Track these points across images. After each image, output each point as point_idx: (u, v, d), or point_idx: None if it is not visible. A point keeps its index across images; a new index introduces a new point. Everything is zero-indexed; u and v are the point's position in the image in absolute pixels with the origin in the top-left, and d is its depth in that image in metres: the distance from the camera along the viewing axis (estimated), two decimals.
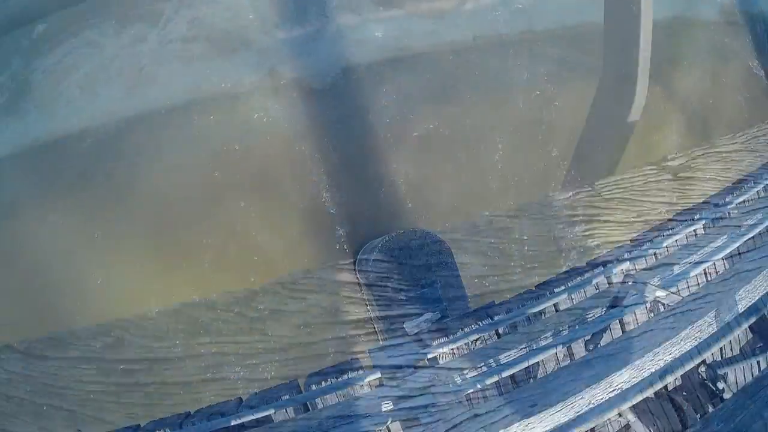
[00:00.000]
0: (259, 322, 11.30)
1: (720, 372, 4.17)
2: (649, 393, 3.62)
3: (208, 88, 11.69)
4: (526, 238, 12.77)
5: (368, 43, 12.54)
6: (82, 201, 10.91)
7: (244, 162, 11.64)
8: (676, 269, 5.93)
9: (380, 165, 12.23)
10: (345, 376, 6.07)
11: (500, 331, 6.97)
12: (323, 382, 6.02)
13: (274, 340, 11.28)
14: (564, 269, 9.06)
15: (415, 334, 7.35)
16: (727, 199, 8.16)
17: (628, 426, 4.73)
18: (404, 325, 9.91)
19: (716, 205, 8.07)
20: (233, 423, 5.52)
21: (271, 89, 11.98)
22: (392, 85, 12.60)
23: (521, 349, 5.57)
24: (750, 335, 6.02)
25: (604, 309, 5.74)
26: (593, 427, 4.70)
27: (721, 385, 4.10)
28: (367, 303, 11.42)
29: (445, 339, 6.71)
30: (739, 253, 7.33)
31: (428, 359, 6.31)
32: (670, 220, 8.28)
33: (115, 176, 11.08)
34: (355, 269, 11.56)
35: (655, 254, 7.56)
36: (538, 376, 6.35)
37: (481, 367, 5.32)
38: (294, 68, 12.20)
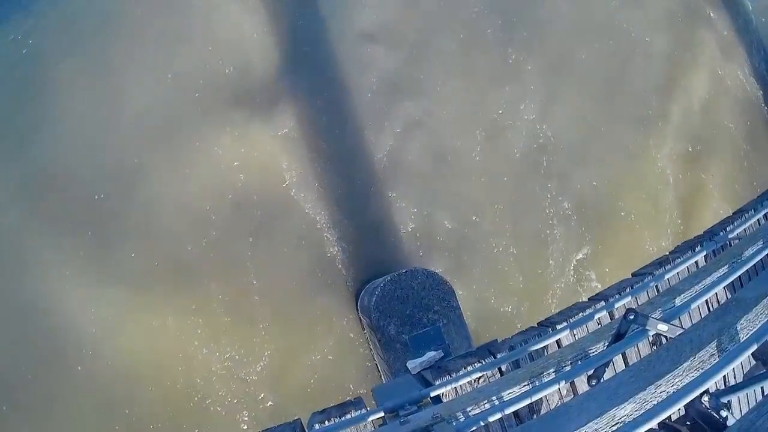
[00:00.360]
0: (261, 363, 11.25)
1: (723, 400, 4.12)
2: (653, 425, 3.57)
3: (216, 139, 11.77)
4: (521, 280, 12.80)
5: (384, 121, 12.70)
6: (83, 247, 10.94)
7: (250, 208, 11.69)
8: (678, 301, 5.90)
9: (382, 207, 12.27)
10: (348, 415, 6.00)
11: (503, 368, 6.93)
12: (326, 421, 5.95)
13: (276, 379, 11.21)
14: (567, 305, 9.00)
15: (418, 372, 7.28)
16: (728, 229, 8.17)
17: None
18: (407, 364, 9.87)
19: (717, 236, 8.07)
20: None
21: (279, 145, 12.07)
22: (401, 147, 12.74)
23: (524, 385, 5.50)
24: (753, 362, 5.97)
25: (607, 344, 5.68)
26: None
27: (724, 413, 4.05)
28: (369, 342, 11.38)
29: (448, 377, 6.66)
30: (741, 282, 7.32)
31: (431, 397, 6.25)
32: (671, 252, 8.28)
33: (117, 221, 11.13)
34: (357, 308, 11.54)
35: (656, 287, 7.54)
36: (542, 412, 6.29)
37: (484, 404, 5.25)
38: (301, 126, 12.32)
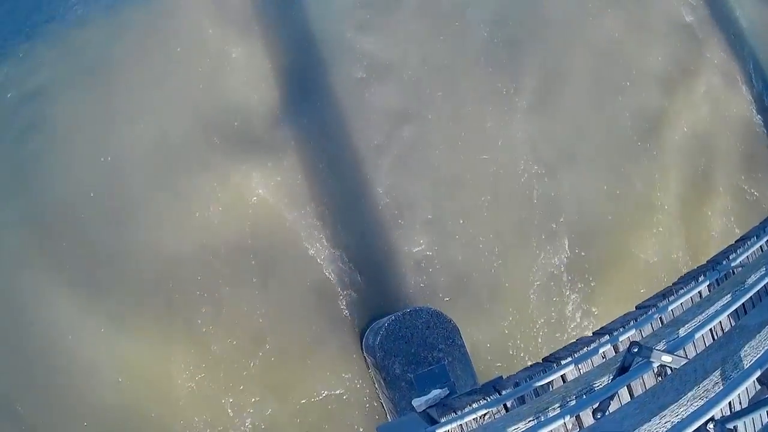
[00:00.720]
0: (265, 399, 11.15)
1: (729, 426, 4.06)
2: None
3: (217, 179, 11.84)
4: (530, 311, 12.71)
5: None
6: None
7: (252, 248, 11.69)
8: (682, 332, 5.86)
9: (385, 244, 12.27)
10: None
11: (508, 404, 6.88)
12: None
13: (278, 418, 11.09)
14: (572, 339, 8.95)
15: (424, 410, 7.24)
16: (730, 257, 8.14)
17: None
18: (412, 402, 9.78)
19: (720, 264, 8.05)
20: None
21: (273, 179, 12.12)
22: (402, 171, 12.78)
23: (529, 421, 5.45)
24: (758, 387, 5.91)
25: (611, 377, 5.64)
26: None
27: None
28: (374, 381, 11.29)
29: (454, 414, 6.63)
30: (744, 309, 7.27)
31: None
32: (674, 284, 8.27)
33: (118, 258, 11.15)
34: (361, 348, 11.47)
35: (660, 319, 7.50)
36: None
37: None
38: (302, 164, 12.38)
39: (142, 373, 10.76)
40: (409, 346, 10.54)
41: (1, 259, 10.81)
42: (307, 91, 12.65)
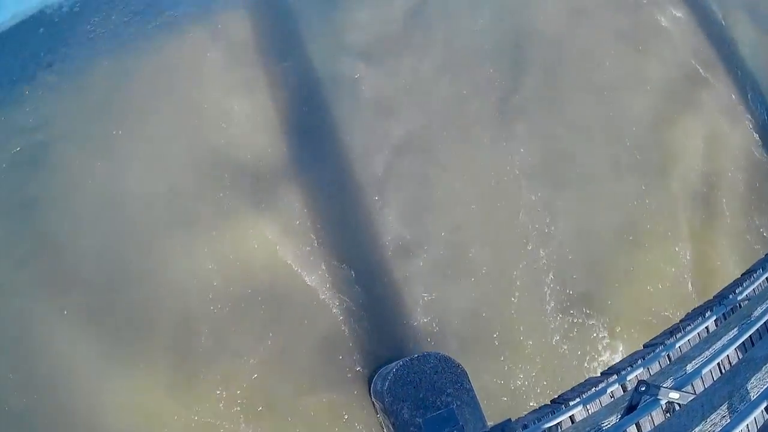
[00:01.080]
0: None
1: None
2: None
3: (221, 224, 11.89)
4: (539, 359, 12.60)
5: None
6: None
7: (256, 289, 11.68)
8: (689, 368, 5.81)
9: (394, 289, 12.23)
10: None
11: None
12: None
13: None
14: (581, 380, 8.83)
15: None
16: (737, 291, 8.10)
17: None
18: None
19: (726, 299, 8.00)
20: None
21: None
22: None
23: None
24: (766, 416, 5.83)
25: (619, 416, 5.59)
26: None
27: None
28: (382, 426, 11.16)
29: None
30: (751, 341, 7.20)
31: None
32: (681, 321, 8.22)
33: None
34: (369, 393, 11.37)
35: (668, 356, 7.44)
36: None
37: None
38: (306, 208, 12.44)
39: (141, 401, 10.68)
40: (418, 391, 10.44)
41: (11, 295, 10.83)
42: (311, 127, 12.66)
